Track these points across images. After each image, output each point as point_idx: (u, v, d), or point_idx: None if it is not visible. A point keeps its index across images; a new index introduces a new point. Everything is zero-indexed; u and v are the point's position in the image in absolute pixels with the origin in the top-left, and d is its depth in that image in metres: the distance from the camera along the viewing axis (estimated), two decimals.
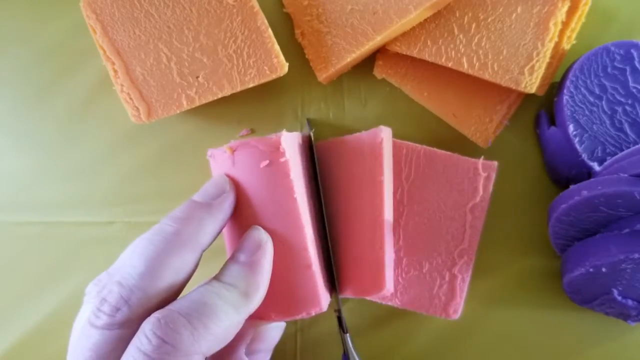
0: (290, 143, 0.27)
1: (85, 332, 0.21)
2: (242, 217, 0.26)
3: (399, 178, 0.31)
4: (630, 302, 0.30)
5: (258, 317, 0.26)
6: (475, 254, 0.30)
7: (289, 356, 0.34)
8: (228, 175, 0.26)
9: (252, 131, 0.35)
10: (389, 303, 0.31)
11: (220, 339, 0.22)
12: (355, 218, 0.30)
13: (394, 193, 0.31)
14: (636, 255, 0.27)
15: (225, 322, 0.22)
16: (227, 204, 0.25)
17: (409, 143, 0.31)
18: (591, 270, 0.29)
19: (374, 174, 0.29)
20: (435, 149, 0.31)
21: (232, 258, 0.25)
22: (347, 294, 0.29)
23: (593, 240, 0.30)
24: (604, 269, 0.29)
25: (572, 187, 0.30)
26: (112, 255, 0.34)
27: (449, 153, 0.31)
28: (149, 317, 0.21)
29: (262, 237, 0.25)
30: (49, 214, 0.35)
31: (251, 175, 0.26)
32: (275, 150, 0.26)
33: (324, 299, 0.27)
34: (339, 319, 0.29)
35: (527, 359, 0.33)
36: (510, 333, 0.33)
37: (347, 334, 0.29)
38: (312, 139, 0.31)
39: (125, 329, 0.21)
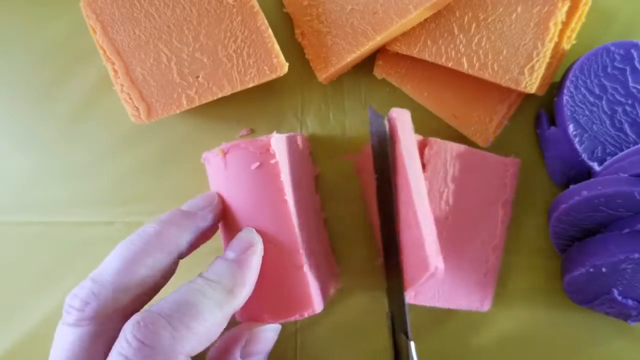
0: (281, 144, 0.27)
1: (60, 331, 0.21)
2: (235, 219, 0.26)
3: (444, 179, 0.31)
4: (630, 302, 0.30)
5: (251, 319, 0.26)
6: (503, 248, 0.31)
7: (289, 356, 0.34)
8: (220, 178, 0.27)
9: (252, 131, 0.35)
10: (432, 304, 0.30)
11: (204, 339, 0.22)
12: (398, 209, 0.29)
13: (441, 194, 0.31)
14: (636, 255, 0.27)
15: (209, 321, 0.22)
16: (210, 216, 0.26)
17: (452, 143, 0.31)
18: (591, 270, 0.29)
19: (398, 158, 0.29)
20: (470, 148, 0.31)
21: (222, 256, 0.25)
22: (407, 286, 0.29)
23: (593, 240, 0.30)
24: (604, 269, 0.29)
25: (572, 187, 0.30)
26: None
27: (482, 151, 0.31)
28: (129, 320, 0.21)
29: (253, 237, 0.25)
30: (49, 214, 0.35)
31: (242, 177, 0.26)
32: (266, 152, 0.26)
33: (317, 300, 0.27)
34: (392, 320, 0.27)
35: (527, 359, 0.33)
36: (511, 333, 0.33)
37: (412, 341, 0.27)
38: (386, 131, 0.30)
39: (96, 325, 0.21)
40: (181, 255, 0.25)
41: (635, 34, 0.34)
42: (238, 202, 0.26)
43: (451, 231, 0.31)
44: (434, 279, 0.27)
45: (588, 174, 0.31)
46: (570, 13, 0.31)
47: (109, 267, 0.22)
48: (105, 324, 0.21)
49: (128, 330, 0.20)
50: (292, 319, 0.26)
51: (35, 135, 0.35)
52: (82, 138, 0.35)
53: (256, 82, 0.31)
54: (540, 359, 0.33)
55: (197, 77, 0.31)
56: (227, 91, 0.31)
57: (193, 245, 0.26)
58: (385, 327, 0.33)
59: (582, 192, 0.29)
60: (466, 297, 0.31)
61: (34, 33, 0.36)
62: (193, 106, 0.32)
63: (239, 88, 0.31)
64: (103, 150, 0.35)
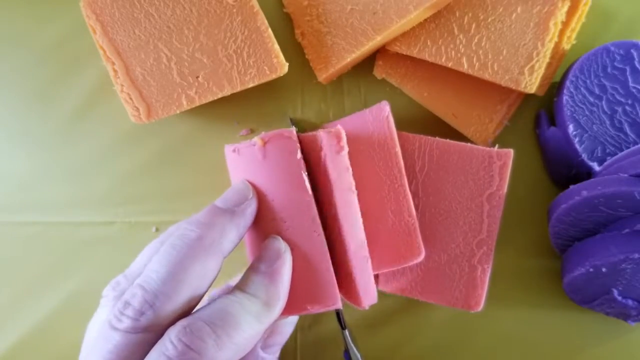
0: None
1: (104, 334, 0.21)
2: (272, 211, 0.26)
3: (412, 170, 0.30)
4: (630, 302, 0.30)
5: (294, 310, 0.26)
6: (494, 243, 0.30)
7: (289, 356, 0.34)
8: (257, 169, 0.26)
9: (252, 131, 0.35)
10: (410, 295, 0.31)
11: (242, 348, 0.22)
12: (367, 195, 0.29)
13: (416, 188, 0.31)
14: (636, 255, 0.27)
15: (248, 332, 0.22)
16: (249, 211, 0.25)
17: (422, 135, 0.31)
18: (591, 270, 0.29)
19: (388, 147, 0.29)
20: (448, 140, 0.30)
21: (253, 268, 0.25)
22: (382, 268, 0.29)
23: (593, 240, 0.30)
24: (604, 269, 0.29)
25: (572, 187, 0.30)
26: (112, 255, 0.35)
27: (462, 143, 0.30)
28: (175, 324, 0.21)
29: (281, 246, 0.25)
30: (49, 214, 0.35)
31: (284, 167, 0.26)
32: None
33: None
34: (338, 314, 0.29)
35: (527, 359, 0.33)
36: (510, 333, 0.33)
37: (346, 330, 0.29)
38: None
39: (148, 332, 0.21)
40: (225, 256, 0.25)
41: (635, 33, 0.34)
42: (276, 195, 0.26)
43: (425, 223, 0.31)
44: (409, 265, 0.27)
45: (588, 174, 0.31)
46: (570, 13, 0.31)
47: (155, 275, 0.22)
48: (154, 332, 0.21)
49: (174, 334, 0.21)
50: (334, 307, 0.26)
51: (35, 136, 0.35)
52: (82, 138, 0.35)
53: (256, 82, 0.31)
54: (540, 359, 0.33)
55: (197, 77, 0.31)
56: (227, 91, 0.31)
57: (236, 243, 0.25)
58: (384, 327, 0.34)
59: (582, 192, 0.29)
60: (448, 293, 0.30)
61: (34, 33, 0.36)
62: (193, 106, 0.32)
63: (239, 88, 0.31)
64: (103, 150, 0.35)
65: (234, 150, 0.27)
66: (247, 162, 0.27)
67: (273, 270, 0.24)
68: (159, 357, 0.20)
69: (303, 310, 0.26)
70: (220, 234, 0.24)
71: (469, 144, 0.30)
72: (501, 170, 0.30)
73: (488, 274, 0.30)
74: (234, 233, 0.25)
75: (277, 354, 0.31)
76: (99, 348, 0.21)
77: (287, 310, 0.26)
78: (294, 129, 0.26)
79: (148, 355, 0.21)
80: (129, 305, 0.21)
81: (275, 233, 0.26)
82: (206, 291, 0.24)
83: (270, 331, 0.28)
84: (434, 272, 0.30)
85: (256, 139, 0.26)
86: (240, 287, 0.24)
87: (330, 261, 0.26)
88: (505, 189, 0.30)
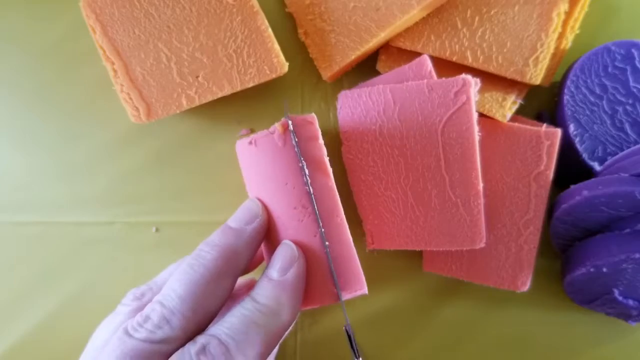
0: None
1: (119, 337, 0.23)
2: (293, 196, 0.26)
3: None
4: (631, 302, 0.30)
5: (322, 302, 0.26)
6: (541, 224, 0.30)
7: (289, 356, 0.34)
8: (277, 157, 0.26)
9: (252, 131, 0.35)
10: (454, 275, 0.31)
11: (262, 356, 0.23)
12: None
13: None
14: (637, 255, 0.27)
15: (260, 345, 0.23)
16: (260, 229, 0.26)
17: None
18: (592, 270, 0.29)
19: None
20: (495, 120, 0.30)
21: (266, 276, 0.25)
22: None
23: (594, 240, 0.30)
24: (604, 269, 0.28)
25: (572, 187, 0.30)
26: (112, 255, 0.35)
27: (510, 123, 0.30)
28: (194, 342, 0.22)
29: (293, 253, 0.26)
30: (49, 214, 0.35)
31: (306, 153, 0.26)
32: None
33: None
34: (349, 337, 0.27)
35: (527, 359, 0.33)
36: (511, 333, 0.33)
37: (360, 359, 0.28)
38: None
39: (160, 344, 0.22)
40: (239, 275, 0.25)
41: (637, 31, 0.34)
42: (297, 182, 0.26)
43: None
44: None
45: (589, 173, 0.31)
46: (573, 3, 0.31)
47: (173, 294, 0.23)
48: (168, 344, 0.23)
49: (194, 351, 0.22)
50: (359, 293, 0.26)
51: (35, 135, 0.35)
52: (82, 138, 0.35)
53: (256, 82, 0.31)
54: (541, 359, 0.33)
55: (197, 77, 0.31)
56: (227, 91, 0.31)
57: (249, 261, 0.26)
58: (384, 327, 0.34)
59: (582, 192, 0.29)
60: (494, 274, 0.30)
61: (34, 33, 0.36)
62: (193, 106, 0.31)
63: (239, 88, 0.31)
64: (103, 150, 0.35)
65: (250, 142, 0.27)
66: (265, 152, 0.26)
67: (286, 279, 0.25)
68: None
69: (333, 299, 0.26)
70: (234, 255, 0.25)
71: (516, 124, 0.30)
72: (549, 150, 0.30)
73: (534, 254, 0.30)
74: (246, 252, 0.25)
75: (275, 353, 0.31)
76: (111, 349, 0.22)
77: (318, 301, 0.26)
78: (313, 115, 0.26)
79: None
80: (148, 319, 0.23)
81: (297, 220, 0.26)
82: (222, 306, 0.25)
83: None
84: (479, 252, 0.30)
85: (276, 126, 0.26)
86: (254, 296, 0.24)
87: (352, 246, 0.26)
88: (552, 170, 0.30)
